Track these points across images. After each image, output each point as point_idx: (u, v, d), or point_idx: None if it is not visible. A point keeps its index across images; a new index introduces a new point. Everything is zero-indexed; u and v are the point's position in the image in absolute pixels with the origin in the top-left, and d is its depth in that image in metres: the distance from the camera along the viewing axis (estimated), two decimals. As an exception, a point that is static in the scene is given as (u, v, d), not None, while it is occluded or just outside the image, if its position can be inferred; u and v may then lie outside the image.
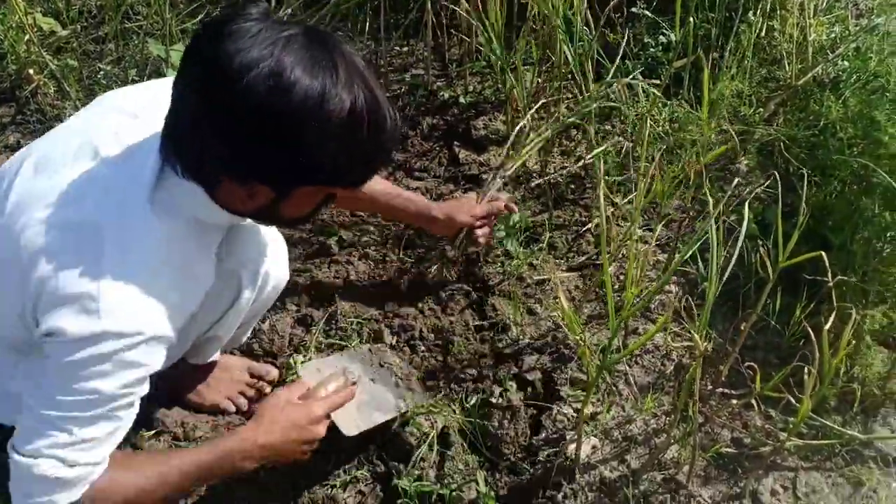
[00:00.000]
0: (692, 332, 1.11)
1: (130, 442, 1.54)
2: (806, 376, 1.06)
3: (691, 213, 2.06)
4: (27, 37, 2.11)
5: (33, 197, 1.10)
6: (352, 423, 1.47)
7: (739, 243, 1.27)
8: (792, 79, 2.11)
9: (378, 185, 1.68)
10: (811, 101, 2.07)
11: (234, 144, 1.00)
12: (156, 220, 1.07)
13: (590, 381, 1.23)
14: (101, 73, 2.46)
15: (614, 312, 1.13)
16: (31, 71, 2.15)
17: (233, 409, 1.60)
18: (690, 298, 1.83)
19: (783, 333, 1.63)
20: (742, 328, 1.29)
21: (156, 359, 1.11)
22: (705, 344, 1.15)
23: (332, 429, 1.42)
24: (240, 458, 1.24)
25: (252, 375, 1.65)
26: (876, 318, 1.49)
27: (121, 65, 2.50)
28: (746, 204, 1.36)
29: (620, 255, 1.95)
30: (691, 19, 1.86)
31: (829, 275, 1.17)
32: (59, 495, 1.07)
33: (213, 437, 1.53)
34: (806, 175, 1.94)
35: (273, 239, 1.47)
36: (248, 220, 1.24)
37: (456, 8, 2.26)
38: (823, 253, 1.17)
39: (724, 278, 1.32)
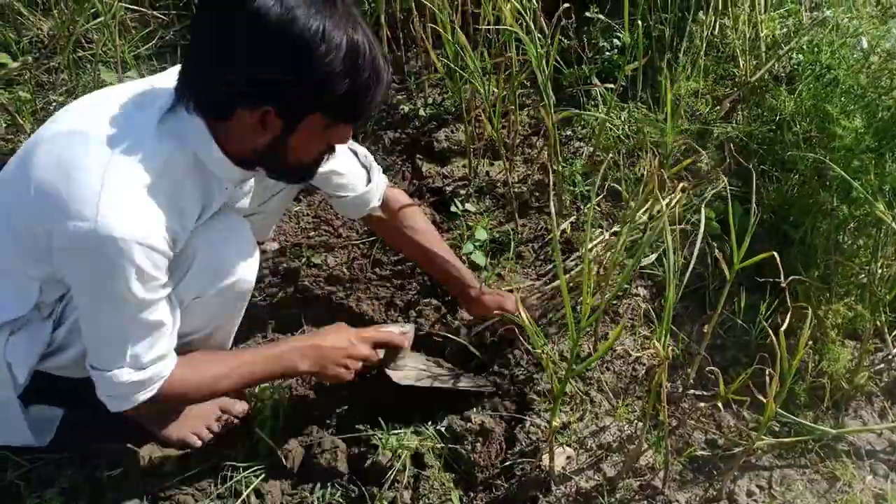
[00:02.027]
0: (653, 339, 1.09)
1: (95, 478, 1.51)
2: (767, 378, 1.06)
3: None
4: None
5: (49, 129, 1.25)
6: (404, 376, 1.57)
7: (697, 245, 1.27)
8: (746, 75, 2.13)
9: (435, 238, 1.77)
10: (767, 97, 2.08)
11: (247, 66, 1.12)
12: (158, 143, 1.19)
13: (556, 393, 1.22)
14: (55, 104, 2.42)
15: (573, 324, 1.12)
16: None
17: (198, 443, 1.56)
18: (658, 301, 1.84)
19: (750, 332, 1.63)
20: (705, 330, 1.28)
21: (159, 263, 1.20)
22: (668, 349, 1.14)
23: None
24: (289, 357, 1.42)
25: (221, 409, 1.61)
26: (840, 312, 1.49)
27: (74, 94, 2.45)
28: (703, 205, 1.36)
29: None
30: (639, 22, 1.85)
31: (782, 275, 1.16)
32: (139, 395, 1.27)
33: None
34: (764, 171, 1.97)
35: (246, 240, 1.43)
36: (249, 186, 1.42)
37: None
38: (776, 254, 1.17)
39: (686, 280, 1.32)
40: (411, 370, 1.60)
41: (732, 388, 1.16)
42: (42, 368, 1.37)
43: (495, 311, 1.69)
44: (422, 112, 2.35)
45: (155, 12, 2.47)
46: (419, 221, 1.76)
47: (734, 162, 2.09)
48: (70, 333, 1.33)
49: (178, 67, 1.29)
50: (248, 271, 1.44)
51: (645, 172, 1.77)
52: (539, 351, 1.20)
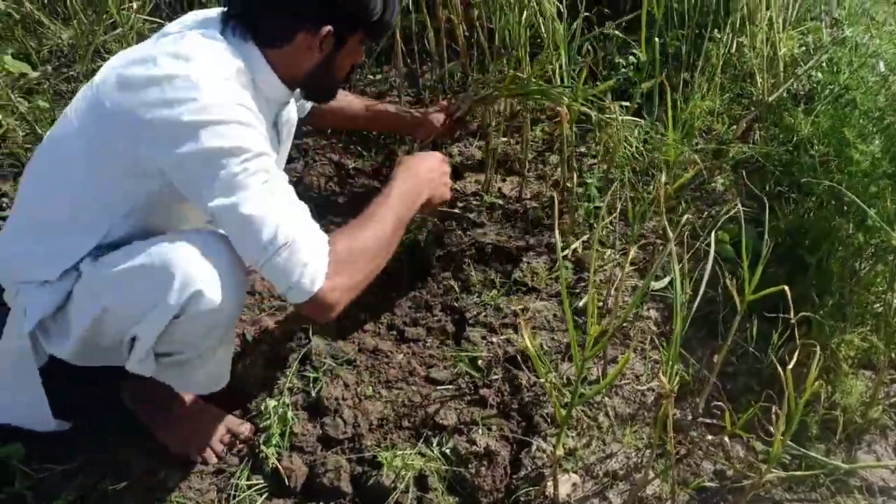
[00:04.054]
0: (662, 379, 1.07)
1: (99, 490, 1.52)
2: (774, 417, 1.03)
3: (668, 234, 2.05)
4: (-7, 80, 2.10)
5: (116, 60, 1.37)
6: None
7: (707, 271, 1.25)
8: (764, 95, 2.10)
9: (363, 102, 2.04)
10: (785, 117, 2.05)
11: None
12: (230, 53, 1.32)
13: (560, 421, 1.20)
14: (72, 113, 2.43)
15: (577, 352, 1.11)
16: (-1, 115, 2.13)
17: (198, 459, 1.57)
18: (669, 325, 1.82)
19: (762, 360, 1.60)
20: (715, 360, 1.26)
21: (260, 128, 1.30)
22: (675, 381, 1.12)
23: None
24: (414, 192, 1.52)
25: (228, 430, 1.61)
26: (854, 343, 1.46)
27: (91, 104, 2.47)
28: (714, 231, 1.34)
29: (598, 282, 1.92)
30: (657, 39, 1.83)
31: (791, 312, 1.13)
32: (319, 265, 1.27)
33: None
34: (781, 193, 1.94)
35: (225, 261, 1.31)
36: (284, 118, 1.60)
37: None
38: (786, 287, 1.14)
39: (697, 304, 1.30)
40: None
41: (739, 425, 1.13)
42: (54, 348, 1.40)
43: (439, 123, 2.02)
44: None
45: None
46: (345, 98, 2.00)
47: (749, 183, 2.06)
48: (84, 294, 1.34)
49: (202, 12, 1.45)
50: (216, 294, 1.29)
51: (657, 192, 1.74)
52: (543, 380, 1.18)
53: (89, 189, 1.33)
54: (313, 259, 1.26)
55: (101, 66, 1.39)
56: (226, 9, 1.39)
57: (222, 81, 1.27)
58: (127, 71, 1.30)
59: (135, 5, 2.24)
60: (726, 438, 1.20)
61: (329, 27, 1.37)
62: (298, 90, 1.55)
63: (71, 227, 1.35)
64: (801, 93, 2.23)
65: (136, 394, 1.61)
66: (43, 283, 1.36)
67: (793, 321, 1.13)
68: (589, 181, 1.89)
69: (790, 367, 1.01)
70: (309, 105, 1.93)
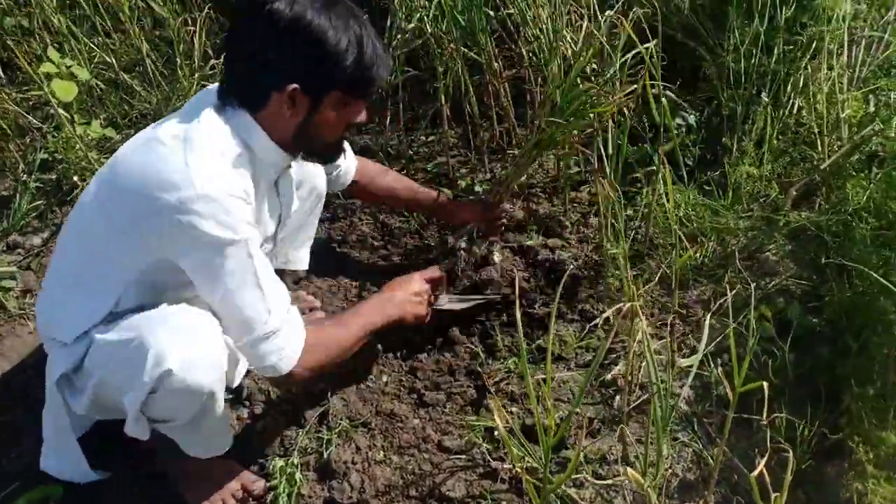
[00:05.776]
0: (632, 474, 1.00)
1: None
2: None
3: (712, 305, 1.93)
4: (77, 145, 2.29)
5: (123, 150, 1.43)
6: (447, 302, 1.92)
7: (702, 347, 1.16)
8: (824, 159, 1.96)
9: (406, 183, 2.09)
10: (847, 184, 1.90)
11: (272, 54, 1.34)
12: (220, 124, 1.39)
13: (537, 510, 1.14)
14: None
15: (543, 434, 1.05)
16: (75, 178, 2.32)
17: (211, 513, 1.61)
18: (704, 404, 1.70)
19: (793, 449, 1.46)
20: (712, 458, 1.16)
21: (248, 211, 1.38)
22: (656, 477, 1.04)
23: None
24: (381, 309, 1.68)
25: (242, 487, 1.64)
26: (890, 441, 1.30)
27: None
28: (752, 315, 1.23)
29: (632, 353, 1.83)
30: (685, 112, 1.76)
31: (765, 411, 1.02)
32: (297, 341, 1.45)
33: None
34: (843, 266, 1.78)
35: (203, 341, 1.36)
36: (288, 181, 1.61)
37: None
38: (765, 384, 1.03)
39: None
40: (445, 300, 1.93)
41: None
42: (73, 403, 1.47)
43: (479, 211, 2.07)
44: (477, 188, 2.34)
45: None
46: (388, 177, 2.07)
47: (807, 254, 1.91)
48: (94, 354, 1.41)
49: (212, 87, 1.51)
50: (197, 375, 1.34)
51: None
52: (513, 465, 1.13)
53: (102, 257, 1.41)
54: (288, 346, 1.44)
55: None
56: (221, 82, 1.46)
57: (218, 166, 1.34)
58: (135, 150, 1.39)
59: (196, 76, 2.40)
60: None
61: (294, 85, 1.36)
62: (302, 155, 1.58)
63: (87, 291, 1.44)
64: (881, 155, 2.07)
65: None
66: (63, 344, 1.46)
67: (764, 422, 1.03)
68: (616, 248, 1.81)
69: (755, 473, 0.91)
70: (349, 178, 1.97)
